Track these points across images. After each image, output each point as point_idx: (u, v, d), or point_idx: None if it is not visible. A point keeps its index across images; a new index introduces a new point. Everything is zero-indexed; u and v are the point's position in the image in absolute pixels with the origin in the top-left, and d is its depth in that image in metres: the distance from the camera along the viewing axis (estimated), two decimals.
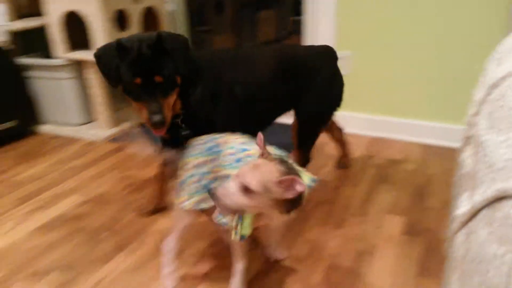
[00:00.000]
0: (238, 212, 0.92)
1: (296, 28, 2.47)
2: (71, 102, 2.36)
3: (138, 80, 1.14)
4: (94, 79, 2.22)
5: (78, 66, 2.27)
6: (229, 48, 1.44)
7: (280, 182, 0.85)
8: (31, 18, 2.43)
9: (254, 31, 4.07)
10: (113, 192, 1.73)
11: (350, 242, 1.37)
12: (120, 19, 2.17)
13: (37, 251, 1.39)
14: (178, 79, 1.20)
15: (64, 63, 2.24)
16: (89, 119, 2.43)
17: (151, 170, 1.88)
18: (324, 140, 1.85)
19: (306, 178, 0.95)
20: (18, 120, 2.31)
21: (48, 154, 2.13)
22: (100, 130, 2.32)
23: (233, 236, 0.96)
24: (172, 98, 1.20)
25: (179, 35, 1.23)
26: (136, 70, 1.14)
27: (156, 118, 1.14)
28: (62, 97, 2.36)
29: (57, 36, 2.19)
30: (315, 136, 1.57)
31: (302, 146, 1.56)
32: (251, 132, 1.38)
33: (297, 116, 1.51)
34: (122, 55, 1.14)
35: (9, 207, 1.66)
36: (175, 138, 1.28)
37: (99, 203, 1.66)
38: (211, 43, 3.96)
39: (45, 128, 2.43)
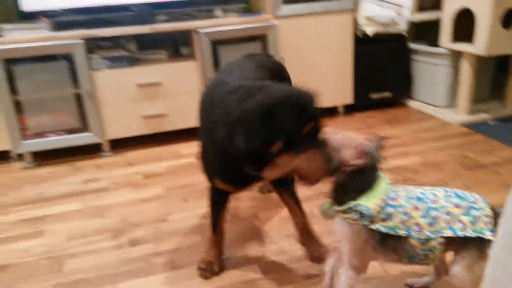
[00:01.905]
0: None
1: None
2: (439, 86, 2.75)
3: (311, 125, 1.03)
4: (467, 69, 2.49)
5: (455, 56, 2.60)
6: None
7: (356, 147, 0.96)
8: (428, 12, 2.90)
9: None
10: (447, 164, 2.04)
11: None
12: (507, 16, 2.30)
13: None
14: None
15: (446, 52, 2.63)
16: (450, 104, 2.74)
17: (492, 158, 2.06)
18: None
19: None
20: (395, 92, 2.92)
21: (409, 123, 2.64)
22: (457, 115, 2.61)
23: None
24: None
25: None
26: (311, 114, 1.03)
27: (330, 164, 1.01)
28: (435, 81, 2.77)
29: (447, 29, 2.58)
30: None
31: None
32: None
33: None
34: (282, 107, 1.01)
35: None
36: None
37: (433, 167, 2.01)
38: None
39: (413, 103, 2.94)
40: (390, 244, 0.99)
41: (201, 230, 1.61)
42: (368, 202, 0.96)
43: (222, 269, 1.38)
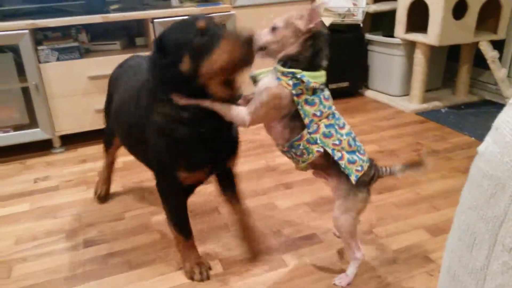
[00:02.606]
0: (269, 54, 1.08)
1: None
2: (394, 76, 2.81)
3: None
4: (420, 59, 2.56)
5: (410, 46, 2.66)
6: None
7: (302, 16, 1.03)
8: (383, 3, 2.95)
9: None
10: (402, 151, 2.10)
11: None
12: (458, 8, 2.37)
13: None
14: None
15: (400, 42, 2.68)
16: (404, 93, 2.82)
17: (444, 144, 2.13)
18: None
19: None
20: (352, 82, 2.96)
21: (365, 112, 2.69)
22: (411, 103, 2.68)
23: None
24: None
25: None
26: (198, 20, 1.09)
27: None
28: (389, 70, 2.83)
29: (401, 19, 2.63)
30: None
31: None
32: None
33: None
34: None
35: None
36: None
37: (389, 155, 2.06)
38: None
39: (369, 92, 3.00)
40: (292, 124, 1.08)
41: (159, 226, 1.57)
42: (310, 79, 1.05)
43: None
